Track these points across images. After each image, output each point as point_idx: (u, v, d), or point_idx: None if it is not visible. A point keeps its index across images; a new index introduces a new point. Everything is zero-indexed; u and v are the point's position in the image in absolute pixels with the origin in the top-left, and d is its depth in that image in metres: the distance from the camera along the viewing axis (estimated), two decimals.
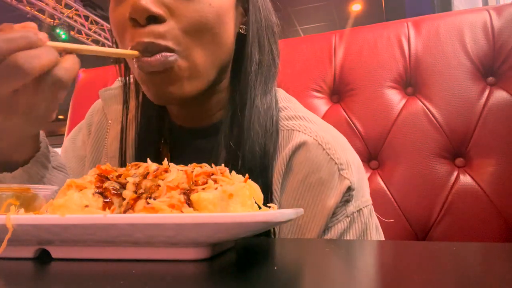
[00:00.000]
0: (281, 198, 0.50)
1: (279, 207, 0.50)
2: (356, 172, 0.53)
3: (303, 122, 0.54)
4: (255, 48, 0.52)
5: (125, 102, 0.60)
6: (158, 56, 0.45)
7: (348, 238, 0.50)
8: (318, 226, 0.49)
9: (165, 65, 0.45)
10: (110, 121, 0.62)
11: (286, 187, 0.50)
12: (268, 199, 0.49)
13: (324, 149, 0.51)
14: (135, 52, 0.42)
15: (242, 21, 0.54)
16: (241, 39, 0.53)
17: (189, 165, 0.37)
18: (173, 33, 0.45)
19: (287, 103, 0.58)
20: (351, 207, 0.51)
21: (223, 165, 0.36)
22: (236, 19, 0.52)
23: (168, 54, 0.45)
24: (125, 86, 0.60)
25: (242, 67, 0.53)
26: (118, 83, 0.66)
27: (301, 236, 0.50)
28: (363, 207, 0.53)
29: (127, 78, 0.59)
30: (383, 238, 0.56)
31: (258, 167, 0.49)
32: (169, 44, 0.45)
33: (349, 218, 0.51)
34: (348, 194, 0.51)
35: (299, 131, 0.52)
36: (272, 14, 0.56)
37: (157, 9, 0.44)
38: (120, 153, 0.58)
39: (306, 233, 0.50)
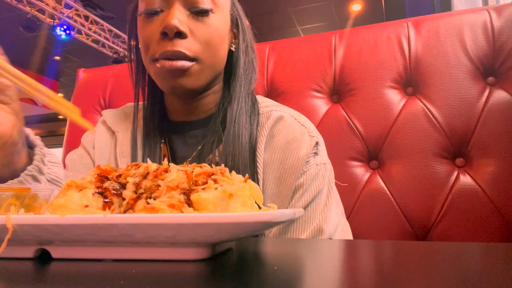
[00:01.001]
0: (265, 154, 0.66)
1: (263, 162, 0.65)
2: (320, 137, 0.69)
3: (278, 107, 0.72)
4: (242, 60, 0.71)
5: (136, 99, 0.74)
6: (179, 62, 0.61)
7: (318, 182, 0.65)
8: (296, 170, 0.64)
9: (183, 67, 0.62)
10: (117, 132, 0.74)
11: (269, 147, 0.66)
12: (254, 155, 0.65)
13: (296, 119, 0.69)
14: (77, 110, 0.48)
15: (232, 41, 0.72)
16: (230, 54, 0.71)
17: (189, 165, 0.37)
18: (192, 47, 0.62)
19: (264, 99, 0.75)
20: (319, 159, 0.67)
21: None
22: (229, 40, 0.70)
23: (188, 62, 0.62)
24: (136, 86, 0.74)
25: (233, 74, 0.70)
26: (114, 110, 0.81)
27: (284, 180, 0.64)
28: (327, 163, 0.68)
29: (138, 78, 0.74)
30: (339, 198, 0.69)
31: (246, 133, 0.66)
32: (190, 54, 0.62)
33: (318, 166, 0.66)
34: (316, 148, 0.67)
35: (276, 110, 0.70)
36: (252, 34, 0.75)
37: (183, 28, 0.61)
38: (132, 153, 0.70)
39: (287, 177, 0.64)
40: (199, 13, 0.63)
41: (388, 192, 0.89)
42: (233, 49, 0.71)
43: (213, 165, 0.37)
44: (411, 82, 0.94)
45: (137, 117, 0.73)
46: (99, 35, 5.91)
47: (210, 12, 0.64)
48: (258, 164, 0.64)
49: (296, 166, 0.64)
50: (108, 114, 0.78)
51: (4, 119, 0.52)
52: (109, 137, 0.75)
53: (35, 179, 0.56)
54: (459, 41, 0.91)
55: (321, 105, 0.99)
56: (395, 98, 0.93)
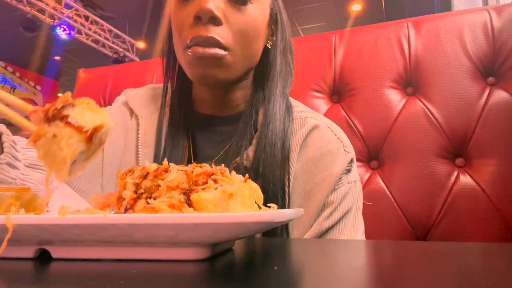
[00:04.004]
0: (297, 165, 0.62)
1: (294, 173, 0.61)
2: (353, 153, 0.66)
3: (313, 114, 0.68)
4: (279, 60, 0.67)
5: (164, 96, 0.70)
6: (212, 49, 0.58)
7: (347, 200, 0.62)
8: (327, 187, 0.61)
9: (216, 56, 0.58)
10: (140, 117, 0.69)
11: (302, 157, 0.63)
12: (286, 166, 0.61)
13: (332, 131, 0.66)
14: (33, 128, 0.38)
15: (269, 38, 0.68)
16: (266, 51, 0.68)
17: (189, 165, 0.37)
18: (226, 35, 0.59)
19: (296, 103, 0.72)
20: (350, 177, 0.64)
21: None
22: (266, 35, 0.66)
23: (221, 50, 0.58)
24: (165, 80, 0.71)
25: (267, 73, 0.67)
26: (137, 90, 0.76)
27: (313, 196, 0.61)
28: (357, 181, 0.65)
29: (168, 66, 0.71)
30: (362, 217, 0.66)
31: (279, 142, 0.61)
32: (224, 42, 0.58)
33: (350, 184, 0.63)
34: (350, 165, 0.64)
35: (312, 118, 0.66)
36: (291, 33, 0.71)
37: (218, 13, 0.58)
38: (156, 143, 0.67)
39: (317, 192, 0.61)
40: (238, 1, 0.60)
41: (388, 192, 0.89)
42: (269, 46, 0.68)
43: (213, 165, 0.37)
44: (411, 82, 0.94)
45: (165, 104, 0.69)
46: (99, 35, 5.92)
47: (249, 2, 0.60)
48: (290, 176, 0.61)
49: (327, 182, 0.61)
50: (131, 94, 0.73)
51: None
52: (127, 121, 0.70)
53: (11, 166, 0.53)
54: (459, 41, 0.91)
55: (321, 105, 0.99)
56: (395, 98, 0.93)
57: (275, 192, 0.59)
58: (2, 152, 0.53)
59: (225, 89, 0.66)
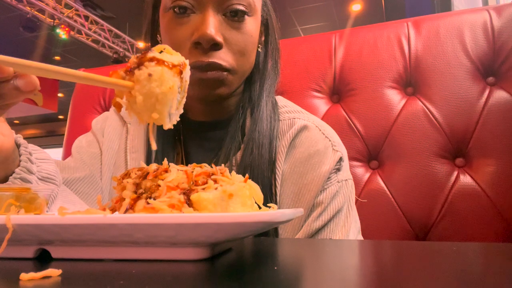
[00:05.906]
0: (285, 166, 0.62)
1: (282, 175, 0.62)
2: (344, 151, 0.66)
3: (301, 114, 0.68)
4: (268, 63, 0.68)
5: None
6: (214, 72, 0.58)
7: (338, 200, 0.61)
8: (316, 187, 0.60)
9: (218, 78, 0.59)
10: (129, 124, 0.71)
11: (290, 158, 0.63)
12: (273, 167, 0.62)
13: (320, 130, 0.65)
14: (130, 83, 0.39)
15: (259, 41, 0.67)
16: (256, 55, 0.67)
17: (189, 165, 0.37)
18: (227, 57, 0.59)
19: (285, 103, 0.71)
20: (340, 176, 0.63)
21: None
22: (258, 41, 0.66)
23: (223, 73, 0.59)
24: None
25: (256, 76, 0.67)
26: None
27: (302, 196, 0.61)
28: (348, 179, 0.65)
29: None
30: (357, 215, 0.66)
31: (267, 142, 0.62)
32: (224, 64, 0.59)
33: (340, 183, 0.62)
34: (339, 164, 0.63)
35: (300, 118, 0.66)
36: (279, 32, 0.70)
37: (219, 39, 0.58)
38: (145, 147, 0.68)
39: (306, 193, 0.60)
40: (234, 16, 0.59)
41: (388, 192, 0.89)
42: (260, 50, 0.68)
43: (213, 165, 0.37)
44: (411, 82, 0.94)
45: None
46: (99, 35, 5.91)
47: (246, 16, 0.60)
48: (276, 177, 0.61)
49: (316, 182, 0.60)
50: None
51: (5, 130, 0.47)
52: (120, 127, 0.71)
53: (25, 180, 0.52)
54: (459, 41, 0.91)
55: (321, 105, 0.99)
56: (395, 98, 0.93)
57: (263, 192, 0.59)
58: (19, 165, 0.53)
59: (220, 101, 0.67)
